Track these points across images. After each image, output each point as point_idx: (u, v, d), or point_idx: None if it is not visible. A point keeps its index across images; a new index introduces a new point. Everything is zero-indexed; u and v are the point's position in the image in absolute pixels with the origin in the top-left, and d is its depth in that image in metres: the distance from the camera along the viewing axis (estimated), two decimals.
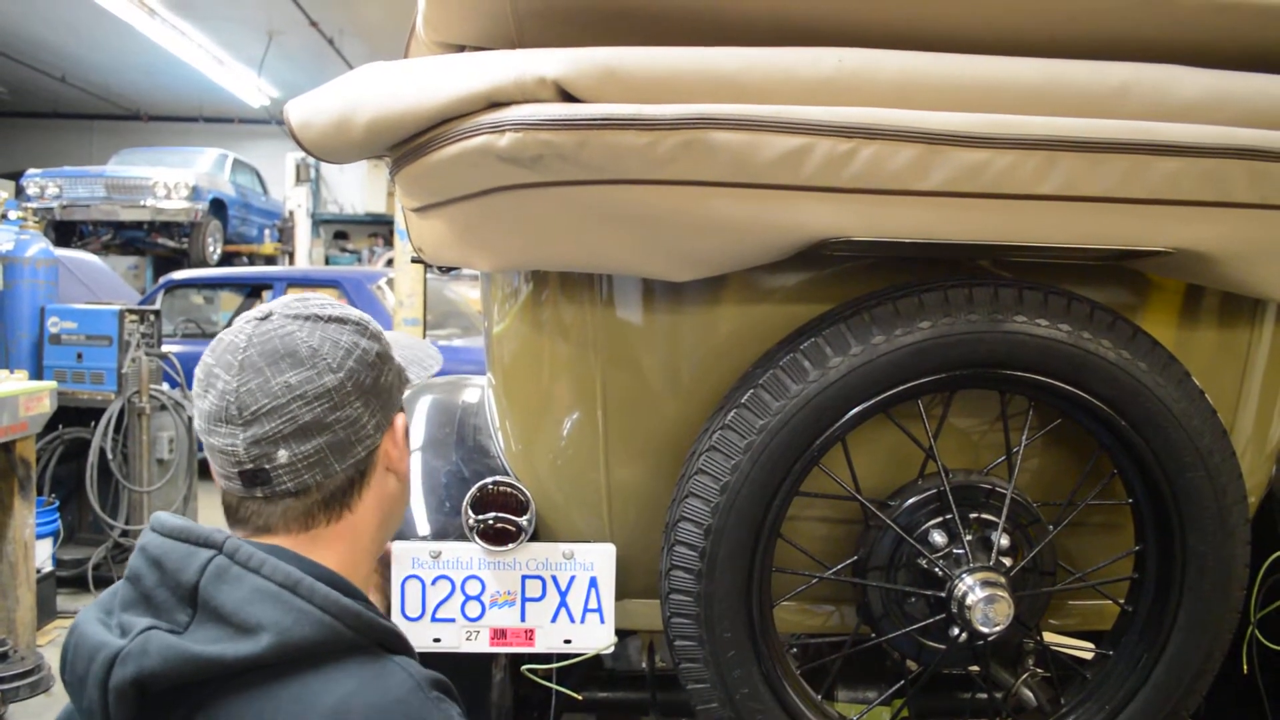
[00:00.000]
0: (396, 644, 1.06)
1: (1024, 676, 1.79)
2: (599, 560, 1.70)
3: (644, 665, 2.29)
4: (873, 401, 1.45)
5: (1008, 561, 1.54)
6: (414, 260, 2.03)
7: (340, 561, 1.09)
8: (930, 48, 1.35)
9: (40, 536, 4.35)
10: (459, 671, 1.81)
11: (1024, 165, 1.26)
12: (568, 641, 1.71)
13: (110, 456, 5.02)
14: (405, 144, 1.35)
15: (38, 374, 4.98)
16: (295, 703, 0.95)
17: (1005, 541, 1.54)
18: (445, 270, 2.27)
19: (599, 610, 1.70)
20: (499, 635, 1.70)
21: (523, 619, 1.70)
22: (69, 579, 4.98)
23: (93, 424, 5.05)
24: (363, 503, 1.11)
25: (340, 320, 1.12)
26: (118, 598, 1.04)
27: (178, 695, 0.96)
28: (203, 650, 0.95)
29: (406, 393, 1.22)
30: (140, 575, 1.02)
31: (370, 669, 1.00)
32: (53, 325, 5.15)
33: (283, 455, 1.05)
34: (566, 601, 1.70)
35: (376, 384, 1.11)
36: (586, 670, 1.98)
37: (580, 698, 1.88)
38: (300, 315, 1.10)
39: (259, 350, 1.06)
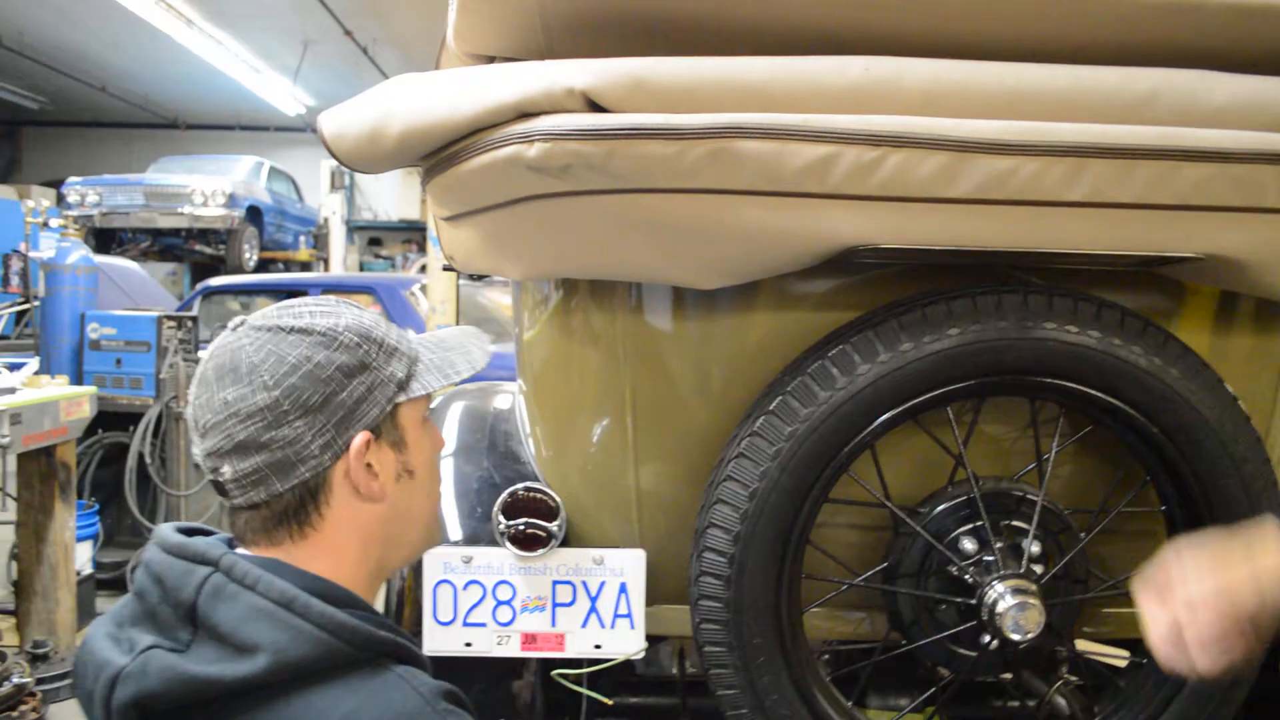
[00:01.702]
0: (400, 653, 1.04)
1: (1057, 684, 1.78)
2: (629, 566, 1.71)
3: (675, 671, 2.29)
4: (901, 408, 1.45)
5: (1039, 569, 1.53)
6: (445, 268, 2.05)
7: (328, 574, 1.05)
8: (957, 55, 1.35)
9: (80, 539, 4.42)
10: (490, 676, 1.83)
11: (1052, 172, 1.25)
12: (598, 647, 1.72)
13: (149, 460, 5.09)
14: (436, 154, 1.36)
15: (78, 379, 5.06)
16: None
17: (1036, 549, 1.54)
18: (477, 277, 2.29)
19: (629, 616, 1.71)
20: (530, 640, 1.71)
21: (553, 624, 1.71)
22: (108, 581, 5.05)
23: (131, 428, 5.12)
24: (326, 523, 1.06)
25: (304, 331, 1.05)
26: (127, 611, 1.03)
27: (180, 715, 0.95)
28: (201, 671, 0.94)
29: (438, 399, 1.16)
30: (144, 592, 1.01)
31: (372, 684, 0.98)
32: (92, 331, 5.23)
33: (227, 471, 1.03)
34: (597, 607, 1.71)
35: (327, 401, 1.03)
36: (617, 675, 1.99)
37: (611, 703, 1.89)
38: (263, 326, 1.05)
39: (214, 364, 1.05)
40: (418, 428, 1.13)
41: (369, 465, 1.07)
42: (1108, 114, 1.30)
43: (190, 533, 1.06)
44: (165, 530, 1.05)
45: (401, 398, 1.10)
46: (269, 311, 1.09)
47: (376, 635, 1.01)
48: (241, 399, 1.02)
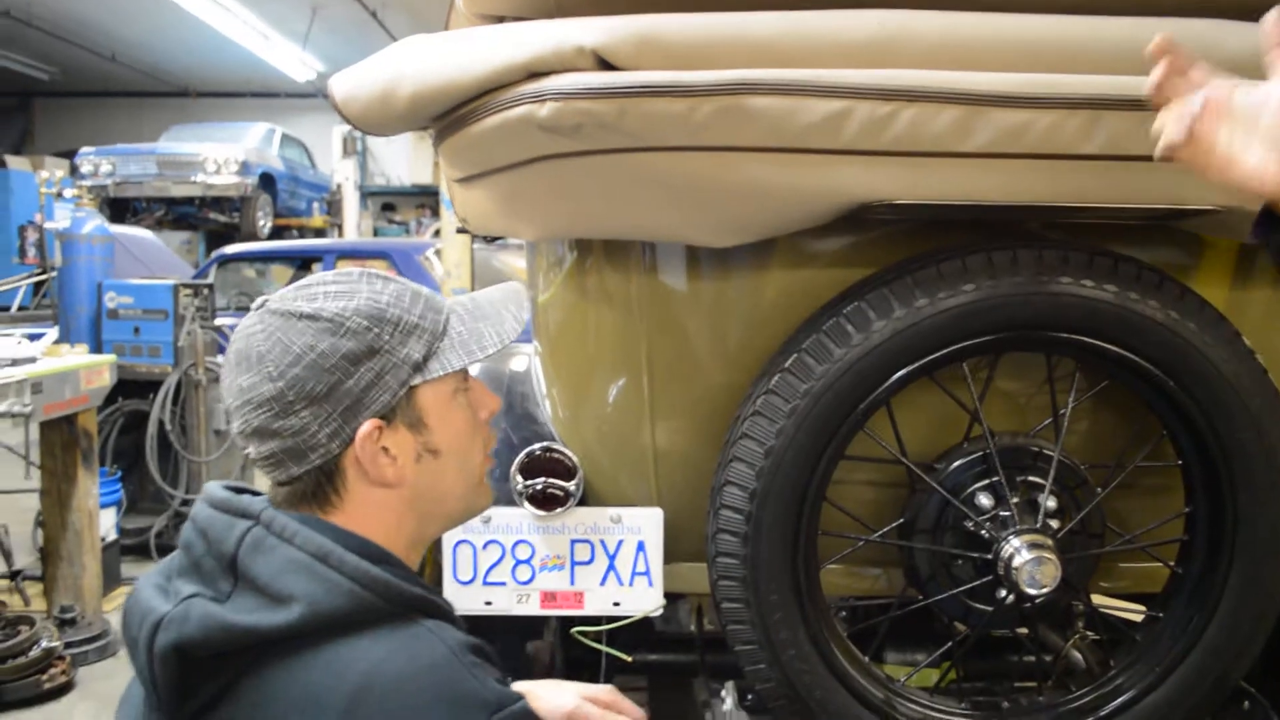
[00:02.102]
0: (430, 609, 1.05)
1: (1073, 639, 1.79)
2: (646, 524, 1.72)
3: (693, 627, 2.31)
4: (917, 365, 1.44)
5: (1055, 524, 1.53)
6: (459, 231, 2.05)
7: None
8: (969, 7, 1.33)
9: (104, 506, 4.47)
10: (511, 634, 1.85)
11: (1067, 125, 1.24)
12: (617, 604, 1.73)
13: (169, 428, 5.13)
14: (448, 115, 1.36)
15: (97, 348, 5.10)
16: (328, 670, 0.97)
17: (1052, 504, 1.54)
18: (491, 239, 2.29)
19: (647, 574, 1.73)
20: (549, 598, 1.73)
21: (572, 582, 1.73)
22: (132, 547, 5.12)
23: (151, 396, 5.17)
24: (346, 504, 1.07)
25: (311, 317, 1.04)
26: (175, 563, 1.07)
27: (219, 662, 0.98)
28: (239, 620, 0.97)
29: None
30: (191, 544, 1.05)
31: (401, 636, 1.00)
32: (110, 300, 5.27)
33: (252, 451, 1.06)
34: (615, 565, 1.73)
35: (332, 391, 1.03)
36: (636, 632, 2.01)
37: (630, 659, 1.91)
38: (277, 310, 1.06)
39: (234, 349, 1.07)
40: (444, 404, 1.10)
41: (385, 449, 1.06)
42: (1123, 65, 1.28)
43: (238, 491, 1.09)
44: (213, 487, 1.09)
45: (417, 380, 1.07)
46: (287, 292, 1.09)
47: (408, 591, 1.03)
48: (252, 388, 1.04)
